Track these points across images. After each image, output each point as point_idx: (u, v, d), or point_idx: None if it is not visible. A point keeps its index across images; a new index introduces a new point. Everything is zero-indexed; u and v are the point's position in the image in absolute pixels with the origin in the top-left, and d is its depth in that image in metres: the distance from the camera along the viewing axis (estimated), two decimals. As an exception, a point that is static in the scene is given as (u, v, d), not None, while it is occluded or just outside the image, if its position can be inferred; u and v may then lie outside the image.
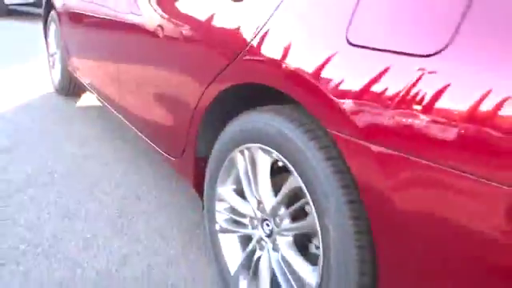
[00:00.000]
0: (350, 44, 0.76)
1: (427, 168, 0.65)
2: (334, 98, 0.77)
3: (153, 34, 1.48)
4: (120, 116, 1.99)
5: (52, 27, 3.07)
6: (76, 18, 2.42)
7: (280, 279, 1.05)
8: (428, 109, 0.64)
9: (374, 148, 0.71)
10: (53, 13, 2.94)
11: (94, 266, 1.35)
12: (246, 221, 1.17)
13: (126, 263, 1.38)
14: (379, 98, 0.70)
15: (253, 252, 1.14)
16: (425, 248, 0.69)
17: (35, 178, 1.89)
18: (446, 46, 0.62)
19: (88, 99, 3.10)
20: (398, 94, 0.68)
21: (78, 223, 1.58)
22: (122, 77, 1.85)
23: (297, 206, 0.96)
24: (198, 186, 1.38)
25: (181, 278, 1.33)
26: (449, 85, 0.62)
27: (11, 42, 5.22)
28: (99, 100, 2.33)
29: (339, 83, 0.76)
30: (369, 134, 0.72)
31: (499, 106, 0.56)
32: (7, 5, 7.23)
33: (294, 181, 0.94)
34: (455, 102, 0.61)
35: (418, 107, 0.65)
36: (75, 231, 1.53)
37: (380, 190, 0.72)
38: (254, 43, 0.99)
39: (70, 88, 2.99)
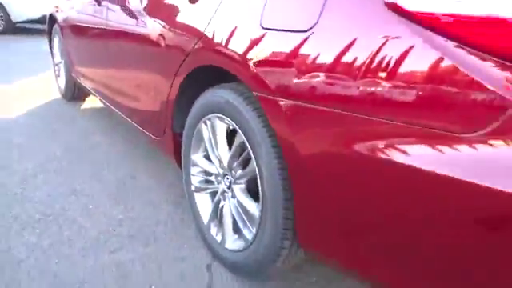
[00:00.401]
0: (263, 28, 1.05)
1: (320, 113, 0.92)
2: (254, 68, 1.06)
3: (134, 38, 1.78)
4: (116, 110, 2.29)
5: (56, 39, 3.40)
6: (75, 29, 2.74)
7: (238, 220, 1.33)
8: (310, 68, 0.92)
9: (280, 101, 0.99)
10: (56, 26, 3.27)
11: (96, 227, 1.65)
12: (213, 178, 1.46)
13: (122, 225, 1.67)
14: (281, 63, 0.99)
15: (218, 203, 1.42)
16: (321, 176, 0.96)
17: (46, 165, 2.20)
18: (315, 24, 0.91)
19: (90, 102, 3.42)
20: (293, 59, 0.96)
21: (83, 198, 1.88)
22: (114, 76, 2.16)
23: (243, 155, 1.24)
24: (177, 158, 1.67)
25: (167, 234, 1.62)
26: (322, 47, 0.90)
27: (19, 55, 5.60)
28: (101, 101, 2.64)
29: (257, 57, 1.05)
30: (276, 91, 1.00)
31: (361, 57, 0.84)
32: (14, 23, 7.66)
33: (240, 137, 1.23)
34: (326, 58, 0.89)
35: (305, 67, 0.93)
36: (80, 204, 1.83)
37: (287, 134, 1.00)
38: (205, 35, 1.28)
39: (75, 92, 3.31)
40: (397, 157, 0.79)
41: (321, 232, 1.01)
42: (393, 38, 0.77)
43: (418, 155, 0.76)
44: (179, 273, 1.41)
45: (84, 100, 3.47)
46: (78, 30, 2.67)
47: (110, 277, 1.38)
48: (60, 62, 3.39)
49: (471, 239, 0.74)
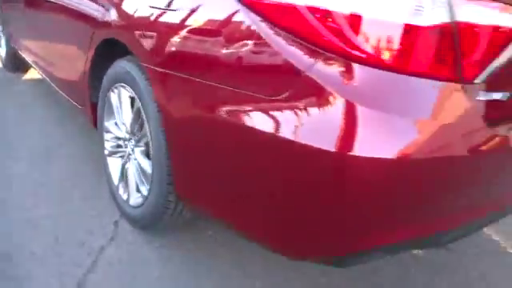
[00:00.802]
0: (150, 6, 1.19)
1: (181, 79, 1.08)
2: (141, 41, 1.20)
3: (60, 11, 1.87)
4: (49, 80, 2.37)
5: (-3, 9, 3.38)
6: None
7: (137, 178, 1.48)
8: (174, 41, 1.07)
9: (157, 70, 1.15)
10: (-5, -5, 3.25)
11: (14, 188, 1.76)
12: (121, 143, 1.60)
13: (42, 186, 1.79)
14: (157, 37, 1.13)
15: (124, 165, 1.57)
16: (186, 136, 1.13)
17: (-24, 132, 2.27)
18: (184, 4, 1.06)
19: (32, 73, 3.44)
20: (164, 33, 1.11)
21: (8, 161, 1.97)
22: (46, 48, 2.23)
23: (140, 119, 1.39)
24: (96, 125, 1.79)
25: (83, 195, 1.75)
26: (185, 24, 1.05)
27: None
28: (38, 72, 2.69)
29: (142, 31, 1.20)
30: (155, 62, 1.15)
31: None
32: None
33: (137, 103, 1.37)
34: (185, 34, 1.04)
35: (171, 40, 1.08)
36: (3, 167, 1.93)
37: (162, 99, 1.16)
38: (107, 11, 1.41)
39: (16, 64, 3.31)
40: (229, 116, 0.96)
41: (190, 183, 1.18)
42: (230, 17, 0.94)
43: (245, 115, 0.93)
44: (87, 228, 1.56)
45: (26, 71, 3.48)
46: (14, 1, 2.69)
47: (20, 231, 1.50)
48: (1, 31, 3.38)
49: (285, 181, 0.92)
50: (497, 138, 0.93)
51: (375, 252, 1.04)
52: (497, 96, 0.94)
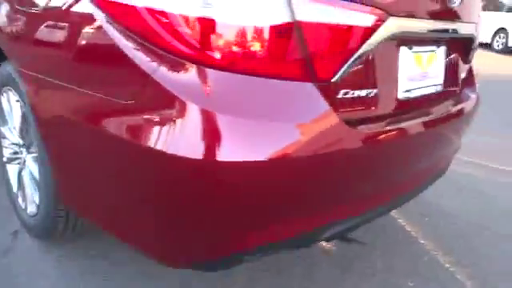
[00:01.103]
0: (16, 9, 1.12)
1: (49, 84, 1.03)
2: (12, 45, 1.13)
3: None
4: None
5: None
6: None
7: (30, 186, 1.41)
8: (41, 45, 1.01)
9: (29, 74, 1.08)
10: None
11: None
12: (17, 149, 1.52)
13: None
14: (27, 40, 1.07)
15: (20, 172, 1.49)
16: (59, 141, 1.08)
17: None
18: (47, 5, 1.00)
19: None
20: (32, 37, 1.05)
21: None
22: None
23: (26, 124, 1.32)
24: (-6, 130, 1.69)
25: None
26: (50, 28, 1.00)
27: None
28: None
29: (14, 34, 1.13)
30: (25, 65, 1.09)
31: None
32: None
33: (22, 107, 1.30)
34: (53, 38, 0.99)
35: (38, 44, 1.02)
36: None
37: (34, 102, 1.10)
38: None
39: None
40: (91, 122, 0.93)
41: (70, 190, 1.13)
42: (82, 18, 0.89)
43: (104, 120, 0.89)
44: (-17, 240, 1.47)
45: None
46: None
47: None
48: None
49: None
50: (361, 135, 0.94)
51: (258, 251, 1.03)
52: (359, 94, 0.95)
